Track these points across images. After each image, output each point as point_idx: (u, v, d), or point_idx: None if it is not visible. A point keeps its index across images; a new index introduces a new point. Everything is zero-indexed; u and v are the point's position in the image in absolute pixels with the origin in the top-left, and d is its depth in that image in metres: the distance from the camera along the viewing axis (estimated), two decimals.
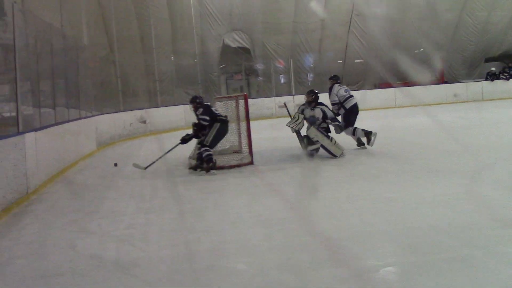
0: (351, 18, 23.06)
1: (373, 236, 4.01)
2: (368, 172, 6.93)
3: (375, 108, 19.17)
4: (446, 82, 22.93)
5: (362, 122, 9.35)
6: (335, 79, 9.54)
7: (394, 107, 20.14)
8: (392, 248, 3.74)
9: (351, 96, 9.24)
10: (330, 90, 9.42)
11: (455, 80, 23.83)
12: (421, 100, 20.54)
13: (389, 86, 22.12)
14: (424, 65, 24.28)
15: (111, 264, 3.77)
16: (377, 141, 8.86)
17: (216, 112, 8.37)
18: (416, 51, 24.05)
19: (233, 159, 8.37)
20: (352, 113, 9.15)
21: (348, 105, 9.14)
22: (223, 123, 8.05)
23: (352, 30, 23.29)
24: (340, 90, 9.25)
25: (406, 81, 23.22)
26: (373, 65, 23.27)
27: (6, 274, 3.75)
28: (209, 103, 8.91)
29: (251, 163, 8.18)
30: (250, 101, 9.37)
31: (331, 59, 23.28)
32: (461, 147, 8.38)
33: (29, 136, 6.85)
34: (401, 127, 10.96)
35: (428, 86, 22.07)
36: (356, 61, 23.36)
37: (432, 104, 19.95)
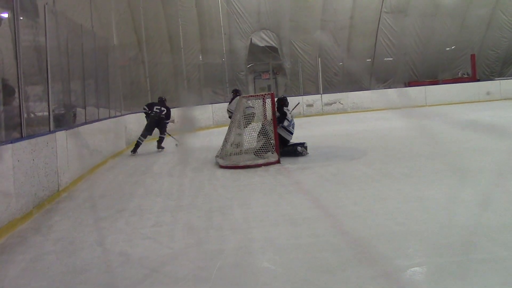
0: (380, 15, 22.80)
1: (402, 235, 3.94)
2: (399, 171, 6.81)
3: (405, 106, 18.88)
4: (478, 80, 22.42)
5: (390, 121, 9.24)
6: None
7: (425, 106, 19.79)
8: (422, 248, 3.66)
9: None
10: None
11: (488, 78, 23.30)
12: (453, 98, 20.11)
13: (418, 84, 21.80)
14: (455, 63, 23.89)
15: (138, 261, 3.80)
16: (408, 140, 8.72)
17: None
18: (447, 49, 23.62)
19: (260, 158, 8.35)
20: None
21: None
22: None
23: (381, 27, 23.02)
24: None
25: (436, 79, 22.85)
26: (403, 63, 22.97)
27: (36, 269, 3.83)
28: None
29: (278, 162, 8.16)
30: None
31: (360, 57, 23.06)
32: (493, 146, 8.18)
33: (60, 135, 6.98)
34: (432, 126, 10.77)
35: (460, 84, 21.65)
36: (385, 59, 23.08)
37: (465, 103, 19.55)
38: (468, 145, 8.75)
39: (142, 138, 11.60)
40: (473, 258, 3.37)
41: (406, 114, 12.67)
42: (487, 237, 3.74)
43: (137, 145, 11.48)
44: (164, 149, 11.75)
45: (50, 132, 6.72)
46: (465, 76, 23.28)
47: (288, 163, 8.12)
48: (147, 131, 11.74)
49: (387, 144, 9.47)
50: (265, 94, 8.89)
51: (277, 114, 8.72)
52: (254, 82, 23.79)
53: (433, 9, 22.81)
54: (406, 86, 22.22)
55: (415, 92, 20.50)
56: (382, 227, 4.21)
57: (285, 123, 8.97)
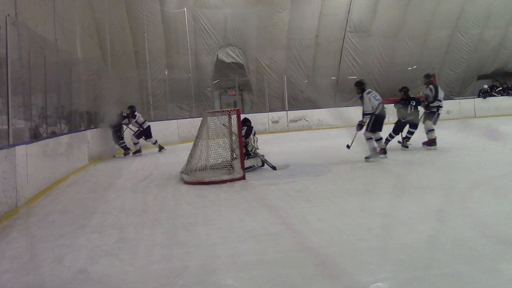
0: (344, 35, 23.27)
1: (365, 251, 3.98)
2: (361, 187, 6.92)
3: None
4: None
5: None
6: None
7: (387, 123, 20.18)
8: (384, 263, 3.71)
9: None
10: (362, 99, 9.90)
11: (447, 97, 23.99)
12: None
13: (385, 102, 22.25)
14: (417, 82, 24.51)
15: (99, 279, 3.71)
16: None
17: None
18: (409, 68, 24.25)
19: (225, 174, 8.33)
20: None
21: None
22: None
23: (346, 46, 23.49)
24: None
25: (397, 98, 23.34)
26: (366, 82, 23.43)
27: None
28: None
29: (243, 178, 8.15)
30: (243, 116, 9.38)
31: (325, 75, 23.40)
32: (453, 164, 8.40)
33: (20, 149, 6.80)
34: (395, 144, 10.99)
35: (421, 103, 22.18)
36: (349, 77, 23.49)
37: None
38: (428, 162, 8.95)
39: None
40: (433, 273, 3.42)
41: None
42: (445, 253, 3.82)
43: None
44: (128, 161, 11.63)
45: (9, 146, 6.54)
46: None
47: (253, 179, 8.12)
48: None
49: (351, 161, 9.58)
50: (231, 110, 8.90)
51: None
52: (220, 98, 23.82)
53: (395, 30, 23.45)
54: None
55: None
56: (345, 243, 4.24)
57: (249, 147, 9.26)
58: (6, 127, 6.78)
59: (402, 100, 11.36)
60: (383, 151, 9.73)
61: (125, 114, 13.79)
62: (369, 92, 9.84)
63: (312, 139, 10.49)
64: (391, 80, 23.73)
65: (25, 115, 8.32)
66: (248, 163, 8.96)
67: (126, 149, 13.82)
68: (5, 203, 6.06)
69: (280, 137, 15.74)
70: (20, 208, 6.58)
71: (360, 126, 9.68)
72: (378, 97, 9.85)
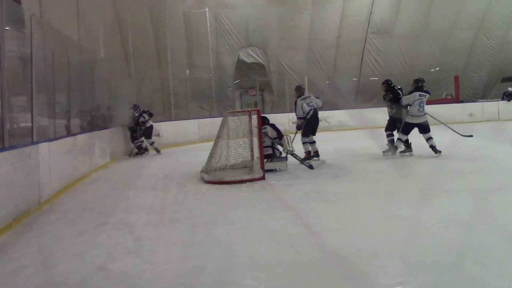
0: (366, 36, 23.11)
1: (385, 254, 3.93)
2: (382, 189, 6.84)
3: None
4: (461, 102, 22.73)
5: (374, 140, 9.33)
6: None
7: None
8: (404, 267, 3.65)
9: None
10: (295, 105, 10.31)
11: (471, 100, 23.65)
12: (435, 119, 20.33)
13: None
14: (439, 84, 24.21)
15: (118, 276, 3.73)
16: (392, 159, 8.82)
17: None
18: (431, 70, 23.97)
19: (244, 174, 8.33)
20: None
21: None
22: None
23: (367, 47, 23.32)
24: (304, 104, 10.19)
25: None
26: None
27: (14, 282, 3.74)
28: None
29: (263, 178, 8.14)
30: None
31: (346, 76, 23.27)
32: (477, 168, 8.26)
33: (43, 147, 6.90)
34: (417, 146, 10.84)
35: (444, 105, 21.91)
36: (371, 78, 23.32)
37: (448, 123, 19.73)
38: (450, 166, 8.83)
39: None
40: (455, 277, 3.37)
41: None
42: (467, 257, 3.75)
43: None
44: (149, 160, 11.71)
45: (32, 143, 6.63)
46: (449, 97, 23.58)
47: (273, 180, 8.10)
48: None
49: (372, 163, 9.50)
50: (251, 110, 8.89)
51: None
52: (241, 98, 23.87)
53: (417, 31, 23.20)
54: None
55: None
56: (365, 245, 4.19)
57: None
58: (30, 124, 6.88)
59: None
60: (315, 154, 10.31)
61: (137, 114, 13.84)
62: (304, 98, 10.50)
63: (333, 140, 10.44)
64: (412, 81, 23.48)
65: (48, 113, 8.44)
66: (269, 166, 8.92)
67: (139, 149, 13.86)
68: (28, 200, 6.15)
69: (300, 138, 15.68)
70: (42, 205, 6.67)
71: (297, 128, 10.64)
72: (313, 103, 10.39)
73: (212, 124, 17.12)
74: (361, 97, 23.37)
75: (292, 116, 20.32)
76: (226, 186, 7.83)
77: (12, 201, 5.63)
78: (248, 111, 9.03)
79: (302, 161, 9.33)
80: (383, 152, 10.36)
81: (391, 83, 11.32)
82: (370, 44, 23.34)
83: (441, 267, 3.58)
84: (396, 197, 6.22)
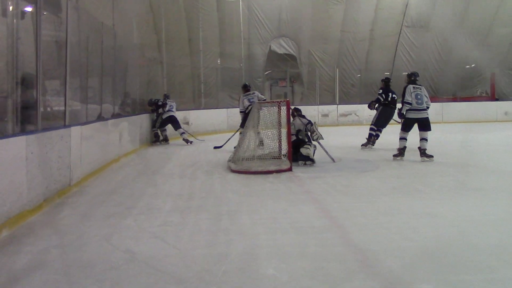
0: (401, 29, 22.74)
1: (410, 251, 3.89)
2: (411, 186, 6.76)
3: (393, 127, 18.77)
4: (497, 100, 22.19)
5: (411, 136, 9.23)
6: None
7: (441, 122, 19.63)
8: (429, 264, 3.61)
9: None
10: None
11: (507, 98, 23.03)
12: (470, 116, 19.95)
13: (436, 100, 21.62)
14: (474, 81, 23.66)
15: (144, 260, 3.80)
16: (419, 156, 8.73)
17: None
18: (467, 66, 23.44)
19: (271, 165, 8.34)
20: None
21: None
22: None
23: (401, 41, 22.94)
24: None
25: (454, 97, 22.66)
26: (421, 78, 22.78)
27: (42, 261, 3.84)
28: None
29: (290, 169, 8.14)
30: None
31: (378, 70, 22.96)
32: (509, 167, 8.08)
33: (75, 130, 7.03)
34: (447, 143, 10.67)
35: (478, 103, 21.46)
36: (403, 73, 22.93)
37: (482, 122, 19.36)
38: (483, 164, 8.66)
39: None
40: (481, 278, 3.32)
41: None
42: (497, 257, 3.69)
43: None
44: (177, 147, 11.82)
45: (65, 126, 6.78)
46: (484, 95, 23.06)
47: (300, 172, 8.10)
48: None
49: (400, 159, 9.39)
50: (281, 101, 8.89)
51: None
52: (271, 89, 23.81)
53: (454, 26, 22.65)
54: None
55: (432, 108, 20.29)
56: (390, 241, 4.16)
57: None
58: (63, 108, 7.02)
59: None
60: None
61: (160, 103, 13.88)
62: (247, 95, 11.96)
63: (362, 134, 10.34)
64: (447, 77, 23.04)
65: (81, 97, 8.59)
66: (305, 151, 8.85)
67: (155, 136, 13.95)
68: (59, 181, 6.29)
69: (329, 131, 15.60)
70: (72, 187, 6.82)
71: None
72: (254, 99, 11.54)
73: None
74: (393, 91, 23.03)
75: (321, 109, 20.33)
76: (252, 176, 7.86)
77: (44, 182, 5.77)
78: (277, 102, 9.02)
79: (326, 152, 9.29)
80: (361, 145, 10.75)
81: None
82: (404, 38, 22.95)
83: (469, 266, 3.53)
84: (425, 194, 6.15)
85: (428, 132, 9.17)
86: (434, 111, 19.96)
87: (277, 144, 9.00)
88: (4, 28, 5.93)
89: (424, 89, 9.61)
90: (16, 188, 4.95)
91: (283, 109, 8.65)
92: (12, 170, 4.88)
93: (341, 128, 18.86)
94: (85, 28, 8.70)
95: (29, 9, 6.39)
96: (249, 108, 11.05)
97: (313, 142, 9.25)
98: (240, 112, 12.10)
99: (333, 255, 3.82)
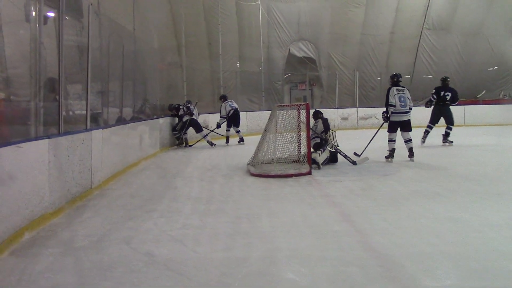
0: (421, 31, 22.51)
1: (432, 256, 3.84)
2: (431, 190, 6.67)
3: (442, 125, 18.51)
4: None
5: (428, 139, 9.08)
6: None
7: (463, 125, 19.36)
8: (451, 270, 3.56)
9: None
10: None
11: None
12: (493, 119, 19.64)
13: (458, 103, 21.30)
14: (497, 84, 23.29)
15: (163, 263, 3.82)
16: (443, 159, 8.59)
17: None
18: (489, 69, 23.08)
19: (291, 168, 8.32)
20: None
21: None
22: None
23: (422, 44, 22.71)
24: None
25: (476, 99, 22.33)
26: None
27: (64, 263, 3.89)
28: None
29: (309, 173, 8.10)
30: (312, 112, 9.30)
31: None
32: None
33: (96, 133, 7.11)
34: (469, 146, 10.51)
35: (501, 106, 21.11)
36: (424, 76, 22.72)
37: (505, 125, 19.03)
38: (505, 168, 8.52)
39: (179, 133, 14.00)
40: (503, 285, 3.25)
41: (442, 132, 12.44)
42: None
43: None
44: (197, 151, 11.88)
45: (86, 130, 6.86)
46: (507, 97, 22.68)
47: (319, 175, 8.06)
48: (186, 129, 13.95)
49: (422, 162, 9.29)
50: (300, 104, 8.86)
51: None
52: (290, 92, 23.79)
53: (476, 28, 22.36)
54: None
55: (453, 110, 19.99)
56: (411, 246, 4.11)
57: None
58: (85, 112, 7.11)
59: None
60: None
61: (181, 107, 13.94)
62: (227, 102, 14.56)
63: (382, 138, 10.25)
64: (468, 80, 22.70)
65: (102, 101, 8.69)
66: (320, 156, 8.89)
67: (178, 139, 14.11)
68: (80, 184, 6.37)
69: (349, 134, 15.50)
70: (93, 190, 6.89)
71: (218, 126, 14.61)
72: (234, 105, 14.63)
73: (261, 117, 17.18)
74: (413, 94, 22.69)
75: (341, 112, 20.23)
76: (271, 179, 7.85)
77: (66, 185, 5.84)
78: (297, 105, 9.00)
79: (346, 156, 9.25)
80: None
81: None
82: (425, 41, 22.72)
83: (492, 272, 3.47)
84: (447, 199, 6.06)
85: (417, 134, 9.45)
86: (455, 114, 19.76)
87: (297, 147, 8.98)
88: (27, 33, 6.04)
89: (407, 91, 10.00)
90: (38, 190, 5.02)
91: (303, 112, 8.63)
92: (34, 173, 4.95)
93: (361, 131, 18.70)
94: (106, 33, 8.80)
95: (51, 14, 6.49)
96: (231, 112, 14.31)
97: (328, 148, 9.28)
98: (222, 117, 14.45)
99: (353, 260, 3.79)
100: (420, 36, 22.64)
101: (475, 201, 5.89)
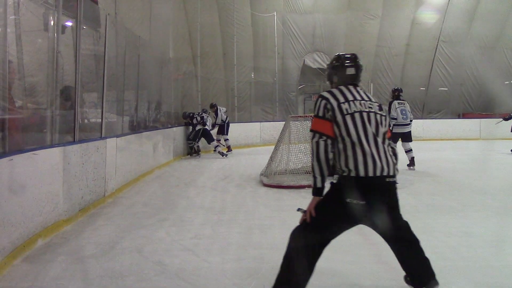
0: (437, 44, 22.38)
1: (447, 271, 3.77)
2: (447, 204, 6.59)
3: (457, 138, 18.38)
4: None
5: (441, 152, 8.99)
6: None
7: (479, 139, 19.16)
8: (466, 285, 3.50)
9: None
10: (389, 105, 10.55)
11: None
12: (509, 134, 19.39)
13: (473, 116, 21.12)
14: None
15: (175, 272, 3.81)
16: (458, 173, 8.48)
17: None
18: (506, 82, 22.84)
19: (304, 179, 8.28)
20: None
21: None
22: None
23: (438, 56, 22.57)
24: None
25: (493, 113, 22.06)
26: (458, 94, 22.33)
27: (76, 271, 3.90)
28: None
29: None
30: None
31: (414, 85, 22.59)
32: None
33: (111, 142, 7.16)
34: (485, 160, 10.39)
35: None
36: (440, 89, 22.54)
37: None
38: None
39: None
40: None
41: (458, 146, 12.32)
42: None
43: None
44: (210, 160, 11.88)
45: (101, 138, 6.90)
46: None
47: None
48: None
49: (436, 175, 9.20)
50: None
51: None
52: (304, 103, 23.76)
53: (493, 40, 22.18)
54: (459, 118, 21.59)
55: (469, 124, 19.86)
56: None
57: None
58: (100, 120, 7.17)
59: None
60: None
61: (196, 116, 13.91)
62: (221, 109, 14.72)
63: (401, 150, 10.17)
64: (485, 93, 22.47)
65: (117, 110, 8.76)
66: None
67: (191, 149, 14.12)
68: (94, 192, 6.41)
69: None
70: (107, 198, 6.92)
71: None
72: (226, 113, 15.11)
73: (274, 127, 17.15)
74: (428, 107, 22.66)
75: None
76: (284, 190, 7.82)
77: (79, 193, 5.88)
78: (311, 116, 8.98)
79: None
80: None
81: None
82: (441, 53, 22.55)
83: None
84: (462, 213, 5.98)
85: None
86: (471, 128, 19.56)
87: (310, 158, 8.94)
88: (45, 42, 6.11)
89: (407, 104, 10.58)
90: (52, 198, 5.05)
91: None
92: (49, 180, 4.99)
93: None
94: (123, 42, 8.89)
95: (69, 24, 6.57)
96: (227, 119, 14.93)
97: None
98: (217, 124, 14.71)
99: (367, 273, 3.75)
100: (436, 48, 22.50)
101: (490, 215, 5.80)
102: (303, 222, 3.13)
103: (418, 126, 18.89)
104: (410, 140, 10.21)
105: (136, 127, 10.02)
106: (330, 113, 2.99)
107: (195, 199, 7.25)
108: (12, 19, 5.59)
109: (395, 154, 3.17)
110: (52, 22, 6.18)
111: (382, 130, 3.08)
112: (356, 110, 2.99)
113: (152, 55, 11.45)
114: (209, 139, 13.93)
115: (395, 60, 22.71)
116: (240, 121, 19.33)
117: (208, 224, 5.51)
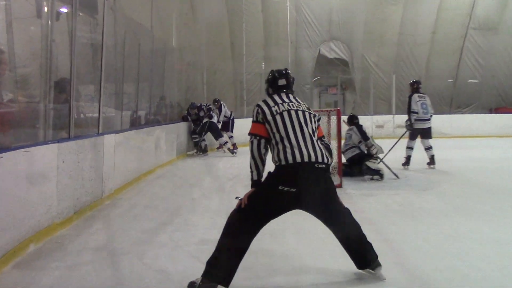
0: (466, 32, 22.18)
1: (477, 281, 3.74)
2: (477, 207, 6.53)
3: (489, 135, 18.21)
4: None
5: (471, 150, 8.93)
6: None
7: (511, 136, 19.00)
8: None
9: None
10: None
11: None
12: None
13: (507, 111, 20.90)
14: None
15: (178, 281, 3.80)
16: (489, 174, 8.42)
17: None
18: None
19: None
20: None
21: None
22: None
23: (467, 45, 22.37)
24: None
25: None
26: (489, 87, 22.10)
27: (71, 278, 3.91)
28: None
29: (340, 186, 8.02)
30: (343, 118, 9.19)
31: (440, 77, 22.44)
32: None
33: (109, 138, 7.17)
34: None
35: None
36: (469, 81, 22.36)
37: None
38: None
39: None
40: None
41: (488, 143, 12.22)
42: None
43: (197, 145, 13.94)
44: (217, 159, 11.88)
45: (98, 134, 6.91)
46: None
47: (351, 188, 7.98)
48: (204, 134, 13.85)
49: (466, 176, 9.13)
50: (331, 110, 8.80)
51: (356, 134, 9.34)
52: (320, 96, 23.68)
53: None
54: (491, 113, 21.39)
55: (502, 119, 19.67)
56: (454, 270, 4.01)
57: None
58: (97, 115, 7.17)
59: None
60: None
61: (203, 107, 13.93)
62: (224, 106, 14.82)
63: (421, 147, 10.11)
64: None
65: (116, 104, 8.77)
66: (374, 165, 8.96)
67: (195, 145, 13.95)
68: (90, 193, 6.41)
69: (385, 144, 15.35)
70: (104, 199, 6.94)
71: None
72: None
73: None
74: (457, 101, 22.49)
75: (376, 119, 20.04)
76: None
77: (75, 194, 5.88)
78: (327, 111, 8.95)
79: (388, 166, 9.16)
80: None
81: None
82: (471, 42, 22.35)
83: None
84: (493, 217, 5.92)
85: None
86: (504, 123, 19.37)
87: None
88: (38, 30, 6.12)
89: (428, 97, 10.45)
90: (45, 199, 5.07)
91: (333, 118, 8.57)
92: (42, 180, 5.00)
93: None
94: (122, 30, 8.91)
95: (64, 10, 6.58)
96: (232, 115, 15.01)
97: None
98: (219, 121, 14.37)
99: (389, 282, 3.73)
100: (465, 36, 22.28)
101: None
102: (239, 207, 3.80)
103: (445, 122, 18.78)
104: (430, 137, 10.27)
105: (136, 122, 10.03)
106: (261, 116, 3.81)
107: (201, 201, 7.25)
108: (3, 5, 5.62)
109: (328, 148, 3.91)
110: (45, 8, 6.19)
111: (310, 125, 3.84)
112: (284, 109, 3.78)
113: (154, 45, 11.45)
114: (217, 134, 13.87)
115: (420, 49, 22.53)
116: (249, 116, 19.25)
117: (214, 229, 5.48)
